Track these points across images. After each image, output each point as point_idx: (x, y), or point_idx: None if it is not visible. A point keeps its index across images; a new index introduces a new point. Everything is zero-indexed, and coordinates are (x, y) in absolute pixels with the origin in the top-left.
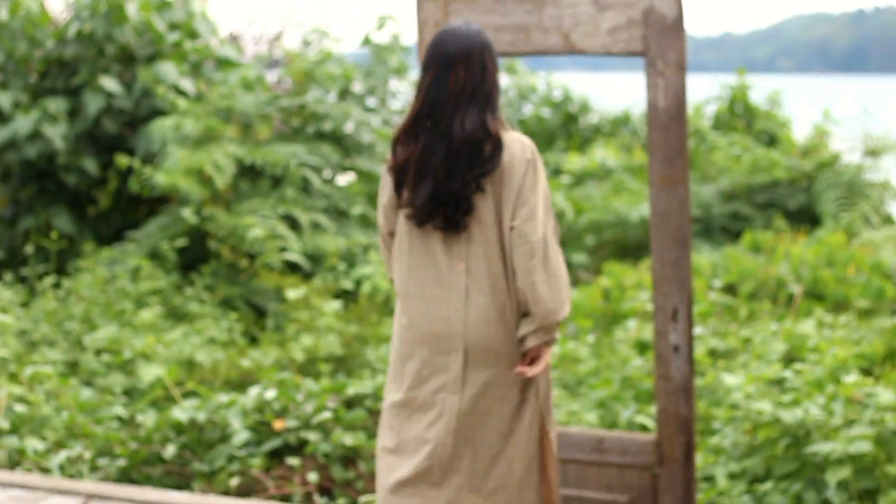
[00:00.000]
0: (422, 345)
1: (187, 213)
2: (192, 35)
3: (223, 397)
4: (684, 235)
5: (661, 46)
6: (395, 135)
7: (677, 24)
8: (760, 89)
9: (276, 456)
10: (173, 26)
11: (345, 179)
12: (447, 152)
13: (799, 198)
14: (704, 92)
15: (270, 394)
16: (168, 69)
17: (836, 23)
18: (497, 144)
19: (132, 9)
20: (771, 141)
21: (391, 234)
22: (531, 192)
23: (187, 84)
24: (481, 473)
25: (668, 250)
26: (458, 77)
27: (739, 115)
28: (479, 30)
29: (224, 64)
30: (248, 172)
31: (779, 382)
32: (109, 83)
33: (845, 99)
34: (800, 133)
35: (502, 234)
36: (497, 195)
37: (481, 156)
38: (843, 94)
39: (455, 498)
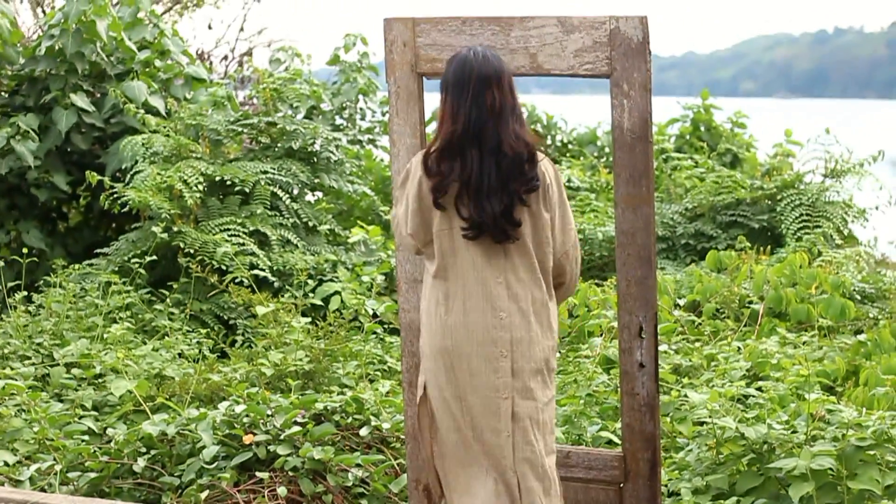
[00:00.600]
0: (463, 355)
1: (157, 230)
2: (163, 53)
3: (193, 411)
4: (649, 254)
5: (627, 68)
6: (433, 153)
7: (642, 47)
8: (723, 111)
9: (246, 469)
10: (144, 45)
11: (313, 197)
12: (498, 169)
13: (762, 217)
14: (667, 112)
15: (240, 408)
16: (138, 87)
17: (797, 43)
18: (534, 159)
19: (102, 27)
20: (734, 161)
21: (424, 245)
22: (565, 203)
23: (157, 102)
24: None
25: (633, 268)
26: (493, 97)
27: (703, 136)
28: (496, 54)
29: (194, 82)
30: (217, 189)
31: (742, 399)
32: (80, 100)
33: (807, 121)
34: (762, 154)
35: (536, 245)
36: (533, 208)
37: (525, 171)
38: (805, 117)
39: None
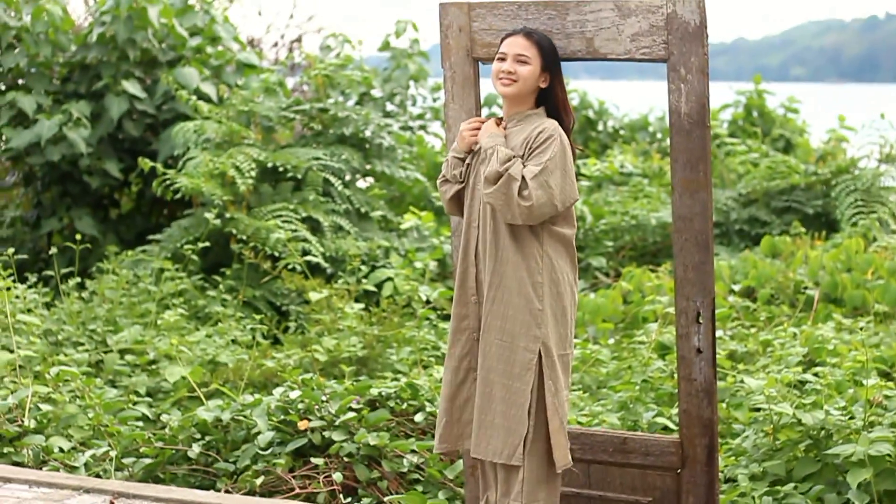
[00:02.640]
0: None
1: (210, 216)
2: (214, 40)
3: (248, 397)
4: (706, 239)
5: (684, 52)
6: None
7: (699, 30)
8: (775, 96)
9: (301, 455)
10: (195, 31)
11: (364, 183)
12: None
13: (816, 203)
14: (719, 98)
15: (295, 394)
16: (190, 73)
17: (848, 29)
18: None
19: (154, 13)
20: (787, 147)
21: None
22: None
23: (209, 88)
24: None
25: (690, 254)
26: None
27: (755, 122)
28: None
29: (245, 68)
30: (269, 175)
31: (799, 385)
32: (132, 87)
33: (857, 107)
34: (814, 139)
35: None
36: None
37: None
38: (856, 103)
39: None
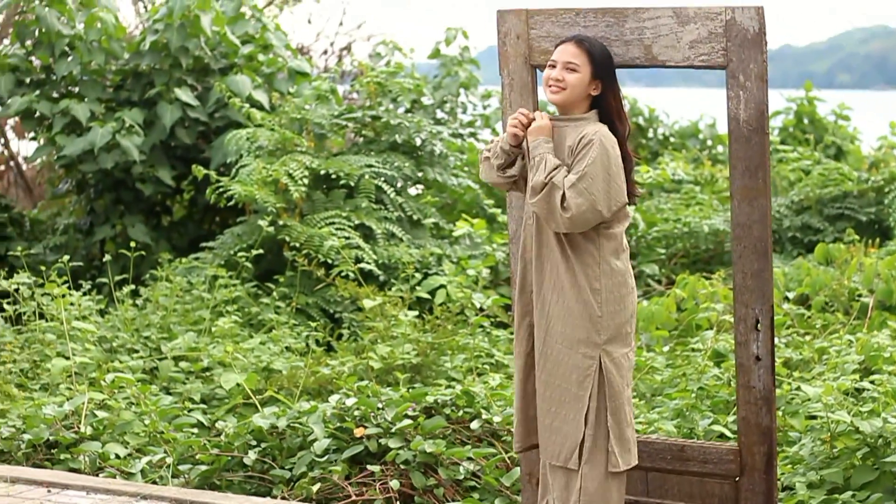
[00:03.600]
0: None
1: (263, 223)
2: (265, 47)
3: (304, 404)
4: (766, 246)
5: (743, 59)
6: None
7: (759, 37)
8: (826, 103)
9: (357, 463)
10: (246, 39)
11: (415, 191)
12: None
13: (869, 210)
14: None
15: (351, 401)
16: (242, 81)
17: (894, 36)
18: None
19: (206, 21)
20: (838, 154)
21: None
22: None
23: (261, 96)
24: None
25: (749, 261)
26: None
27: (806, 129)
28: None
29: (297, 76)
30: (321, 183)
31: (855, 393)
32: (184, 94)
33: None
34: (865, 146)
35: None
36: None
37: None
38: None
39: None
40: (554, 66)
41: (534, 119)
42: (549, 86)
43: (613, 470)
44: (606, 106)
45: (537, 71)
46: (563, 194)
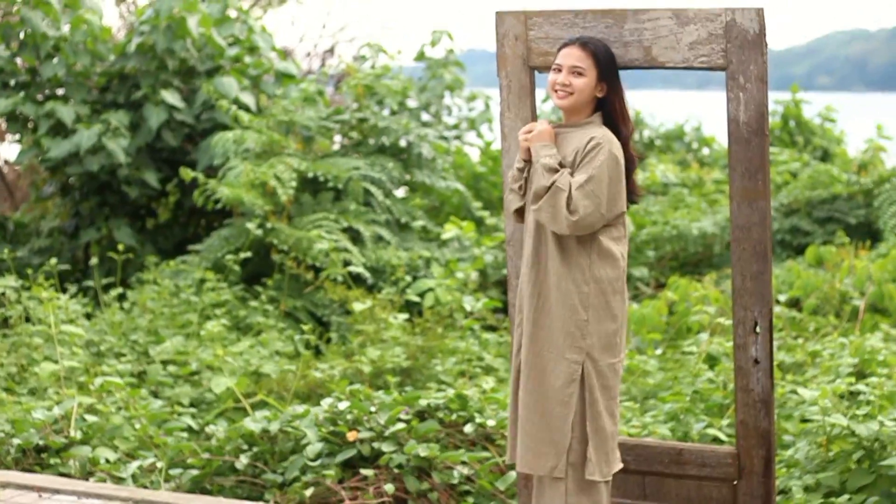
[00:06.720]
0: None
1: (251, 226)
2: (252, 49)
3: (296, 408)
4: (765, 249)
5: (743, 61)
6: (629, 143)
7: (759, 39)
8: (812, 105)
9: (350, 467)
10: (233, 41)
11: (401, 192)
12: None
13: (858, 212)
14: None
15: (343, 405)
16: (229, 83)
17: (874, 39)
18: None
19: (193, 23)
20: (824, 156)
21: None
22: None
23: (248, 98)
24: None
25: (748, 263)
26: None
27: (792, 131)
28: None
29: (284, 78)
30: (309, 185)
31: (850, 396)
32: (170, 97)
33: (885, 116)
34: (850, 149)
35: None
36: None
37: None
38: (883, 111)
39: None
40: (559, 70)
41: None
42: (556, 91)
43: (590, 478)
44: (611, 108)
45: (535, 73)
46: (570, 196)
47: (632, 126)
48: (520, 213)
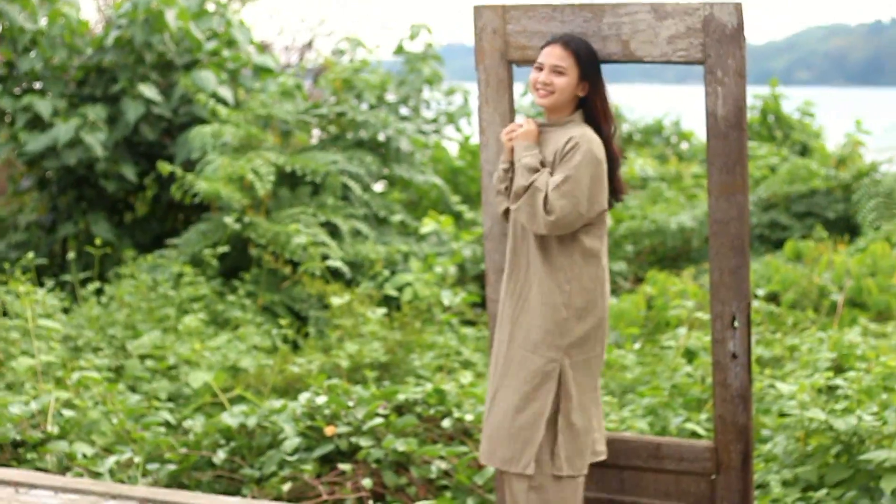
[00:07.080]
0: None
1: (229, 220)
2: (230, 43)
3: (273, 403)
4: (743, 243)
5: (721, 55)
6: (613, 140)
7: (737, 33)
8: (791, 100)
9: (328, 462)
10: (211, 34)
11: (379, 187)
12: None
13: (837, 207)
14: None
15: (321, 399)
16: (207, 77)
17: (853, 34)
18: None
19: (171, 16)
20: (803, 151)
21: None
22: None
23: (226, 92)
24: None
25: (726, 258)
26: None
27: (771, 125)
28: None
29: (262, 72)
30: (287, 180)
31: (828, 391)
32: (148, 90)
33: (863, 110)
34: (828, 144)
35: None
36: None
37: None
38: (862, 106)
39: None
40: (541, 69)
41: (520, 126)
42: (537, 89)
43: (558, 473)
44: (592, 106)
45: (513, 66)
46: (546, 197)
47: (614, 123)
48: (507, 214)
